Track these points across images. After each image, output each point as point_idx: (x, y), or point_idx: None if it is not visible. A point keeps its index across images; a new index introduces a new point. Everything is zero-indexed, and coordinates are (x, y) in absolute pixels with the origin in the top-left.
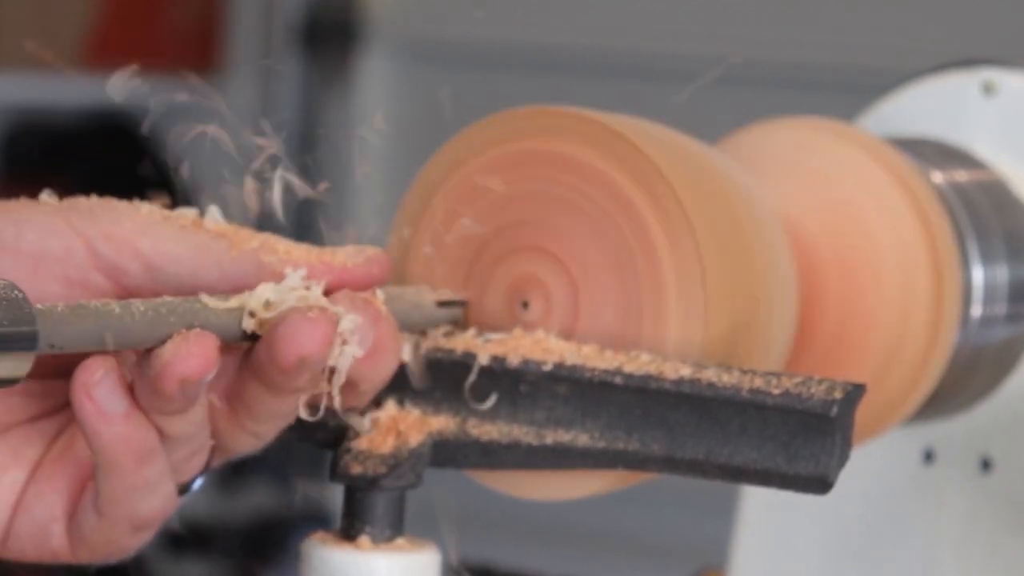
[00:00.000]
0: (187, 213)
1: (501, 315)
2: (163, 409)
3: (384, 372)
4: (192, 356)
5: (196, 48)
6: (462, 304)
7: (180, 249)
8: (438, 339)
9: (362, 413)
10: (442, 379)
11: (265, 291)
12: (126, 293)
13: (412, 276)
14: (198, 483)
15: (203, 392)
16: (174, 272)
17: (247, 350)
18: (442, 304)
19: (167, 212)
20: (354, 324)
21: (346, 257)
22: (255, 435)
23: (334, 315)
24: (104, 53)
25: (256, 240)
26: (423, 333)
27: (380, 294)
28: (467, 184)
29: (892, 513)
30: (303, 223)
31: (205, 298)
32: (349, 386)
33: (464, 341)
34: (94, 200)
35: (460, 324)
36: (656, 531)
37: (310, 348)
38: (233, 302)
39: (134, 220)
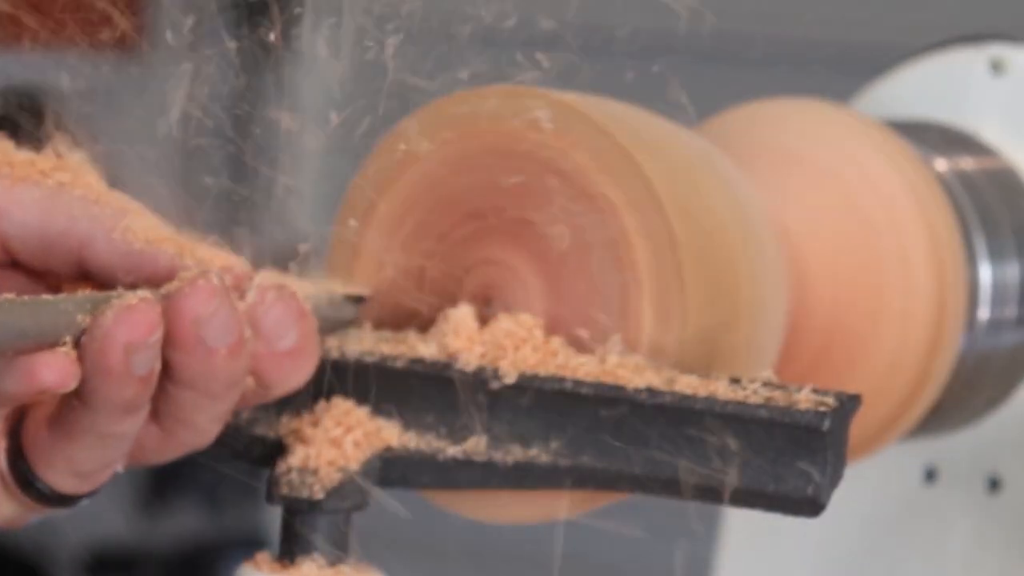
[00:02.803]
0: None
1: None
2: (111, 396)
3: (302, 375)
4: (134, 315)
5: (116, 22)
6: (364, 299)
7: (31, 194)
8: (387, 343)
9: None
10: (391, 388)
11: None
12: None
13: (361, 271)
14: (86, 500)
15: (150, 387)
16: (20, 220)
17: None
18: (350, 298)
19: (30, 153)
20: (279, 321)
21: (213, 259)
22: (194, 445)
23: (155, 304)
24: (12, 26)
25: (116, 203)
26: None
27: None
28: (420, 173)
29: (891, 537)
30: (238, 213)
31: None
32: (260, 387)
33: (412, 345)
34: None
35: (404, 325)
36: (627, 558)
37: (199, 310)
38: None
39: None
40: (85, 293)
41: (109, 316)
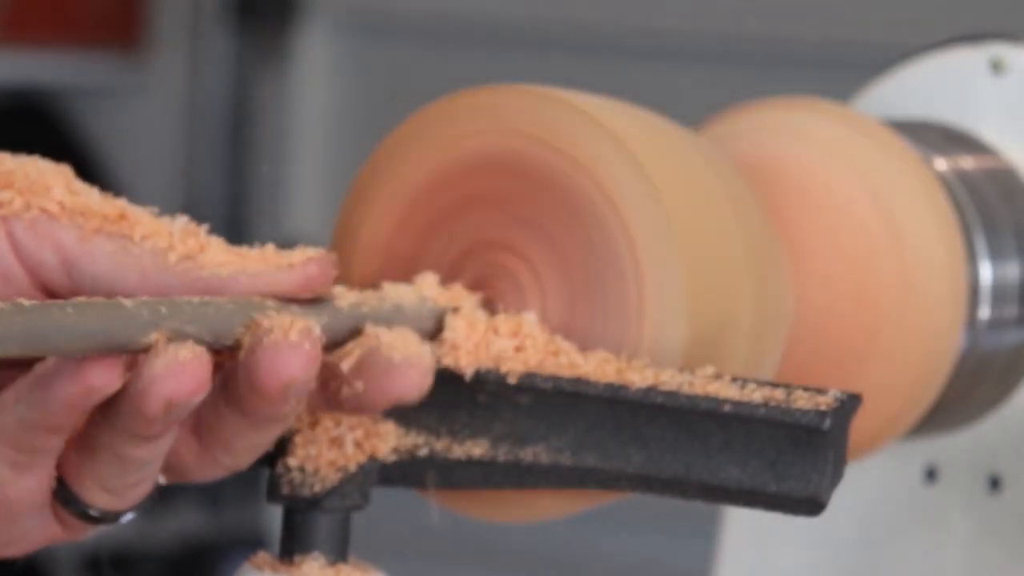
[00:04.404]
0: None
1: None
2: (137, 431)
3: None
4: (185, 372)
5: (119, 22)
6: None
7: (102, 248)
8: None
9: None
10: None
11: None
12: (45, 289)
13: (358, 271)
14: (129, 515)
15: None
16: (91, 272)
17: (223, 380)
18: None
19: (100, 197)
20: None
21: (286, 260)
22: (229, 468)
23: (317, 335)
24: (19, 28)
25: (186, 246)
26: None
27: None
28: (420, 174)
29: (891, 536)
30: (237, 212)
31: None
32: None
33: None
34: (25, 167)
35: None
36: (628, 557)
37: (293, 373)
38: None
39: (61, 205)
40: (162, 300)
41: (159, 364)
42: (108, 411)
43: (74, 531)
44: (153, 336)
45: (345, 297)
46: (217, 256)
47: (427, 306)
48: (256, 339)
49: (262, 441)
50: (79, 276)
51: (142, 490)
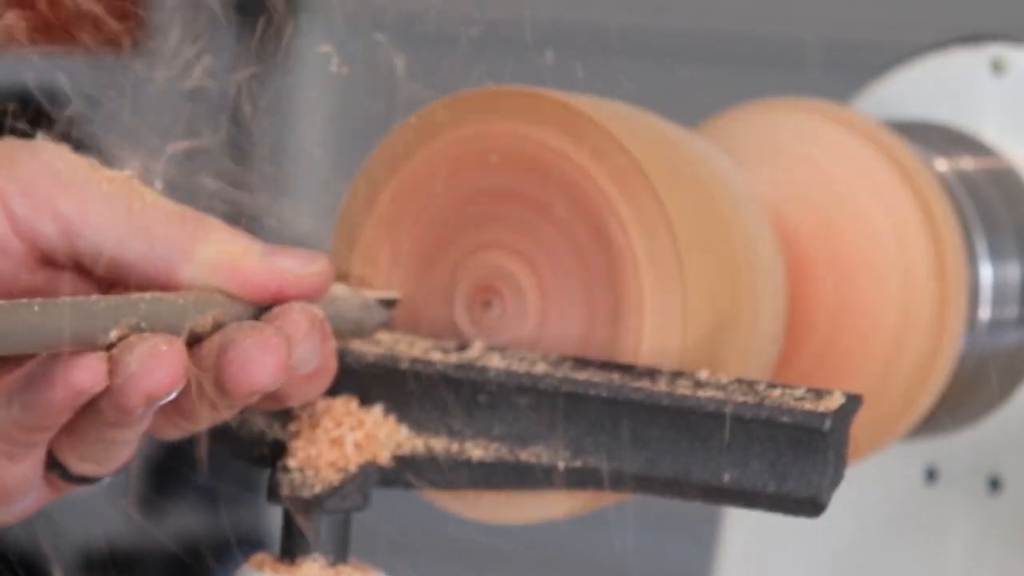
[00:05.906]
0: (122, 175)
1: (461, 317)
2: (119, 422)
3: (318, 391)
4: (162, 366)
5: (115, 21)
6: (396, 302)
7: (105, 216)
8: (388, 344)
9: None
10: (392, 388)
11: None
12: (43, 258)
13: (359, 271)
14: (108, 479)
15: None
16: (94, 240)
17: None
18: (382, 302)
19: (97, 167)
20: (310, 351)
21: (295, 264)
22: (188, 432)
23: (288, 339)
24: (19, 28)
25: (194, 223)
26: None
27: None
28: (420, 174)
29: (891, 537)
30: (237, 212)
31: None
32: (276, 399)
33: (418, 347)
34: (15, 144)
35: (403, 327)
36: (628, 557)
37: (263, 380)
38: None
39: (57, 174)
40: (118, 297)
41: (135, 359)
42: (91, 403)
43: (60, 491)
44: (113, 333)
45: None
46: (220, 234)
47: (369, 299)
48: (225, 341)
49: (225, 416)
50: (82, 244)
51: (124, 458)
